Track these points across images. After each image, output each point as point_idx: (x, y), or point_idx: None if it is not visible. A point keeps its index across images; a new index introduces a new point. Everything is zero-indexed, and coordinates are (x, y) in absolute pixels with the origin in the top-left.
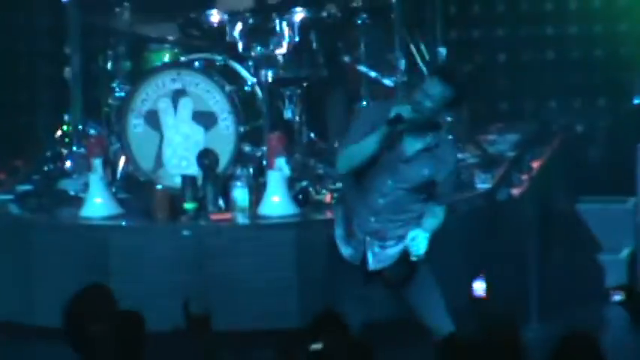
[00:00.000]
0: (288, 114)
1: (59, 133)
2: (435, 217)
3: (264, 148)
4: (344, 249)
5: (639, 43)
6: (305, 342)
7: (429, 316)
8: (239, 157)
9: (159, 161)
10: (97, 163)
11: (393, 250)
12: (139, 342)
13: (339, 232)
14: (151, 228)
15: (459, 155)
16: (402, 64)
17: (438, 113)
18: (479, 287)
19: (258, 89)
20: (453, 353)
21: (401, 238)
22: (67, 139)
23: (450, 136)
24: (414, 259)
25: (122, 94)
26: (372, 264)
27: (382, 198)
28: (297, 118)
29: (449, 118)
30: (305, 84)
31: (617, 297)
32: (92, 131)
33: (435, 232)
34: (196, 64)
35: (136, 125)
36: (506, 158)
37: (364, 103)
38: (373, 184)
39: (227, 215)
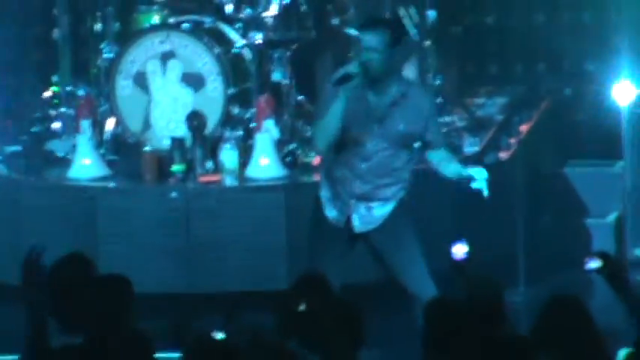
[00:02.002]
0: (276, 76)
1: (48, 94)
2: (452, 160)
3: (253, 110)
4: (329, 211)
5: (627, 8)
6: (291, 303)
7: (412, 279)
8: (227, 120)
9: (147, 123)
10: (86, 124)
11: (379, 212)
12: (127, 306)
13: (324, 194)
14: (139, 190)
15: (448, 118)
16: None
17: (390, 61)
18: (459, 251)
19: (246, 51)
20: (438, 316)
21: (387, 199)
22: (55, 101)
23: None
24: (485, 194)
25: (111, 55)
26: (359, 226)
27: (364, 162)
28: (285, 81)
29: (438, 82)
30: (294, 46)
31: (593, 264)
32: (81, 92)
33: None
34: (185, 26)
35: (124, 87)
36: (494, 122)
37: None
38: (353, 149)
39: (215, 177)
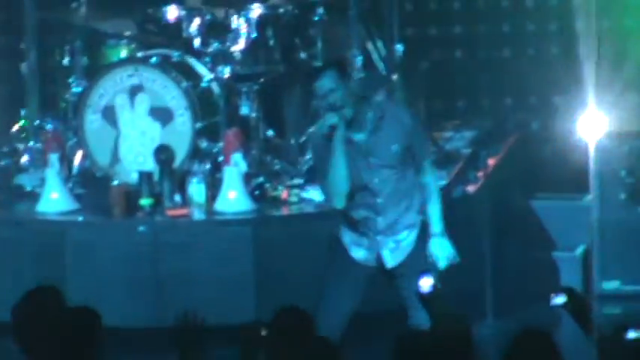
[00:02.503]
0: (244, 110)
1: (16, 128)
2: (432, 194)
3: (221, 144)
4: (355, 253)
5: (596, 41)
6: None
7: (418, 306)
8: (195, 153)
9: (115, 157)
10: (54, 158)
11: (406, 242)
12: (95, 339)
13: (347, 238)
14: (107, 223)
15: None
16: (359, 60)
17: (348, 93)
18: (425, 284)
19: (214, 85)
20: (406, 348)
21: (411, 226)
22: (23, 134)
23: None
24: (444, 267)
25: (79, 89)
26: (391, 262)
27: (378, 197)
28: (253, 114)
29: None
30: (262, 80)
31: (559, 300)
32: (49, 126)
33: (439, 194)
34: (153, 59)
35: (92, 121)
36: (462, 155)
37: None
38: (362, 188)
39: (183, 211)
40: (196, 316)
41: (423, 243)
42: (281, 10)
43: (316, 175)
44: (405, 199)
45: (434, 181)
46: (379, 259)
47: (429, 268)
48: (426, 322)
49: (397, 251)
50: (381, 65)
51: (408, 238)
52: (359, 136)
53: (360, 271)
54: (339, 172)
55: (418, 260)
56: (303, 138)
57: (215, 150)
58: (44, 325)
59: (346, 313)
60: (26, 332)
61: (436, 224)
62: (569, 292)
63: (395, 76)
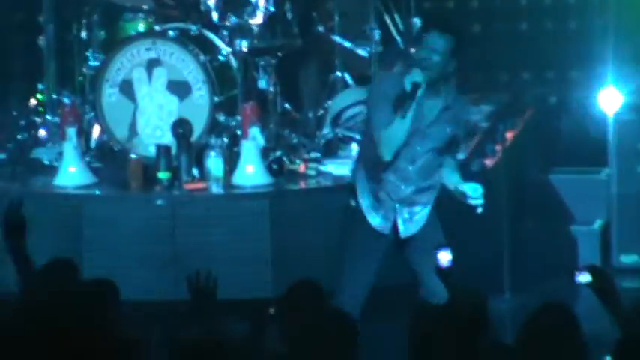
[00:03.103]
0: (262, 84)
1: (33, 101)
2: (454, 169)
3: (239, 118)
4: (372, 218)
5: (613, 14)
6: (281, 312)
7: (431, 280)
8: (213, 127)
9: (133, 130)
10: (71, 132)
11: (420, 216)
12: (113, 311)
13: (365, 202)
14: (124, 197)
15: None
16: (377, 34)
17: (446, 67)
18: (443, 257)
19: (232, 59)
20: (422, 321)
21: (426, 203)
22: (41, 108)
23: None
24: (480, 210)
25: (96, 63)
26: (404, 231)
27: (411, 165)
28: (271, 88)
29: None
30: (279, 54)
31: (583, 278)
32: (66, 100)
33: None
34: (171, 33)
35: (110, 94)
36: (479, 129)
37: (338, 73)
38: (402, 152)
39: (201, 185)
40: (209, 276)
41: (435, 219)
42: None
43: (375, 122)
44: (431, 178)
45: (457, 171)
46: (394, 228)
47: (443, 242)
48: (439, 295)
49: (410, 223)
50: (398, 39)
51: (421, 212)
52: (427, 103)
53: (378, 242)
54: (404, 128)
55: (431, 235)
56: (321, 111)
57: (233, 124)
58: (59, 298)
59: (368, 287)
60: (43, 306)
61: (459, 181)
62: (592, 269)
63: (412, 50)
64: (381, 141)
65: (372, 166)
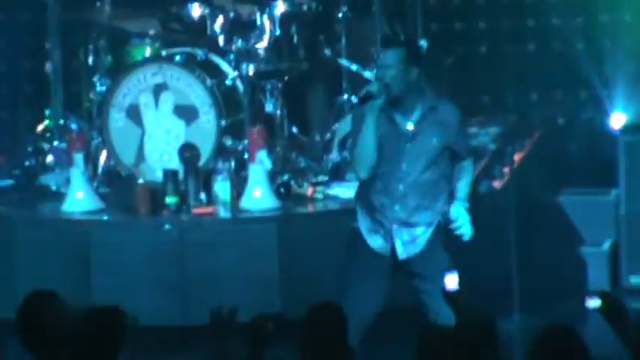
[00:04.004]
0: (269, 107)
1: (40, 127)
2: (465, 173)
3: (246, 142)
4: (372, 241)
5: (620, 35)
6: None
7: (437, 305)
8: (220, 151)
9: (140, 155)
10: (79, 157)
11: (422, 238)
12: (120, 337)
13: (364, 225)
14: (132, 222)
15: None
16: None
17: (406, 78)
18: (451, 281)
19: (239, 83)
20: (430, 344)
21: (429, 224)
22: (48, 134)
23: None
24: (465, 238)
25: (103, 88)
26: (402, 253)
27: (400, 183)
28: (278, 112)
29: None
30: (286, 77)
31: (593, 303)
32: (73, 126)
33: (471, 189)
34: (177, 58)
35: (117, 120)
36: (487, 151)
37: (345, 96)
38: (388, 172)
39: (209, 209)
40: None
41: (440, 244)
42: (305, 7)
43: (349, 147)
44: (429, 196)
45: (471, 175)
46: (393, 250)
47: (449, 265)
48: (444, 318)
49: (410, 245)
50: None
51: (424, 234)
52: (401, 120)
53: (379, 264)
54: (368, 139)
55: (435, 261)
56: (328, 135)
57: (240, 148)
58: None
59: (372, 310)
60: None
61: (462, 190)
62: (603, 295)
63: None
64: (353, 161)
65: (366, 189)
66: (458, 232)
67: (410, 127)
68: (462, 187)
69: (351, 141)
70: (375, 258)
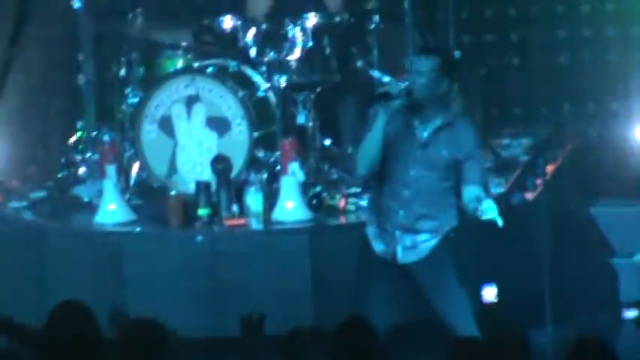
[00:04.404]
0: (301, 119)
1: (73, 139)
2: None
3: (278, 154)
4: (376, 245)
5: None
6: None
7: (455, 321)
8: (253, 163)
9: (173, 167)
10: (111, 169)
11: (425, 245)
12: (162, 349)
13: (371, 229)
14: (165, 234)
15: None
16: None
17: (435, 88)
18: (489, 293)
19: (271, 95)
20: (462, 357)
21: (433, 232)
22: (80, 146)
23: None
24: (499, 223)
25: (136, 100)
26: (402, 258)
27: (407, 189)
28: (310, 124)
29: None
30: (318, 89)
31: (630, 314)
32: (106, 137)
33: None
34: (210, 69)
35: (149, 131)
36: (519, 162)
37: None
38: (396, 176)
39: (241, 221)
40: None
41: (447, 255)
42: (337, 19)
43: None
44: (436, 206)
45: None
46: (394, 255)
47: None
48: (460, 331)
49: (411, 251)
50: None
51: (427, 242)
52: (419, 126)
53: (383, 270)
54: (375, 137)
55: (439, 272)
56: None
57: (272, 159)
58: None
59: (383, 316)
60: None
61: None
62: None
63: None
64: (357, 154)
65: (375, 193)
66: (489, 219)
67: (425, 134)
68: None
69: (362, 138)
70: (381, 264)
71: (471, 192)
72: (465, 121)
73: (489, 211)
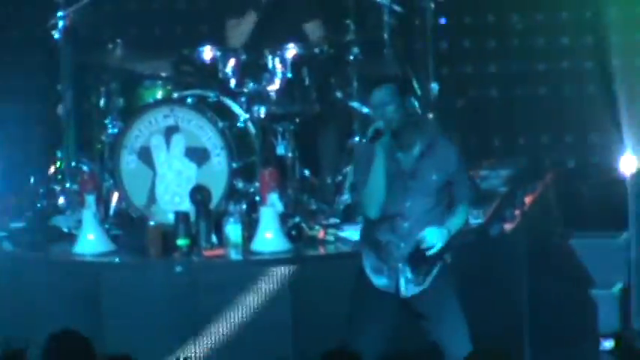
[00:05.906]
0: (280, 150)
1: (52, 169)
2: (457, 216)
3: (257, 184)
4: (377, 280)
5: (631, 79)
6: None
7: (454, 348)
8: (232, 193)
9: (152, 197)
10: (90, 199)
11: (426, 275)
12: None
13: (369, 263)
14: (143, 264)
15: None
16: None
17: (405, 109)
18: None
19: (250, 125)
20: None
21: (433, 260)
22: (60, 176)
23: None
24: (429, 253)
25: (115, 130)
26: (405, 291)
27: (406, 221)
28: (289, 154)
29: None
30: (297, 120)
31: (608, 344)
32: (85, 168)
33: (457, 231)
34: (189, 100)
35: (128, 162)
36: (498, 193)
37: (357, 138)
38: (393, 210)
39: (220, 251)
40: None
41: (447, 284)
42: (316, 50)
43: (356, 186)
44: None
45: (462, 221)
46: (398, 288)
47: (459, 306)
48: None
49: (413, 281)
50: (416, 104)
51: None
52: (402, 157)
53: (383, 303)
54: (378, 177)
55: (441, 300)
56: (339, 177)
57: (251, 190)
58: None
59: (377, 349)
60: None
61: (449, 222)
62: (617, 337)
63: (430, 115)
64: (362, 201)
65: (371, 228)
66: (425, 247)
67: (410, 164)
68: (452, 220)
69: (353, 179)
70: (380, 298)
71: (456, 210)
72: (442, 141)
73: (429, 238)
